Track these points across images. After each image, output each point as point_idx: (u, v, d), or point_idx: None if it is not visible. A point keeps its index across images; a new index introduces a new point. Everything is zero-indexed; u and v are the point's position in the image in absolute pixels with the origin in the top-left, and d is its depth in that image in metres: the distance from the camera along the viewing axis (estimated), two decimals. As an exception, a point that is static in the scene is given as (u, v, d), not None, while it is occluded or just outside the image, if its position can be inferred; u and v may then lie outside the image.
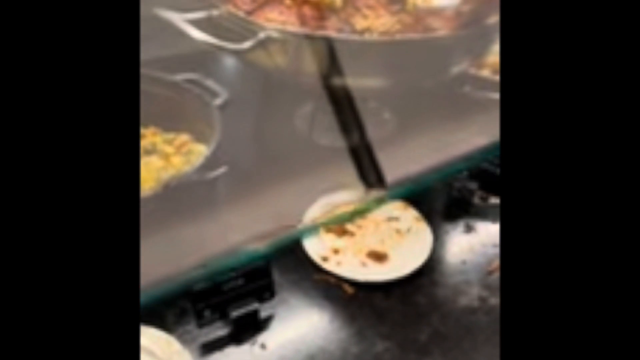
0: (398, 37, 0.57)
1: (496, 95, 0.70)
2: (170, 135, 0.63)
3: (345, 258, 0.55)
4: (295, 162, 0.63)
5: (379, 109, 0.66)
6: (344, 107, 0.64)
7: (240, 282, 0.46)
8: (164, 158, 0.61)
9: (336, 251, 0.56)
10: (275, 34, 0.54)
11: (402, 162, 0.66)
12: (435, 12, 0.61)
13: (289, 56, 0.55)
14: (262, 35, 0.53)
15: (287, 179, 0.62)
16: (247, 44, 0.52)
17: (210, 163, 0.55)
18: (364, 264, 0.55)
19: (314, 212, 0.61)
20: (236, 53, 0.55)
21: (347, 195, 0.64)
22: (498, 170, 0.65)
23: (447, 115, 0.67)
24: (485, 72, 0.82)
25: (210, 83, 0.61)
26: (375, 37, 0.60)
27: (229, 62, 0.62)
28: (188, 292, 0.45)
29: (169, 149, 0.62)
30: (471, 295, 0.53)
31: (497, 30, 0.59)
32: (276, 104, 0.63)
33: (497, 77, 0.81)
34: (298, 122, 0.64)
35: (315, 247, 0.56)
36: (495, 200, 0.65)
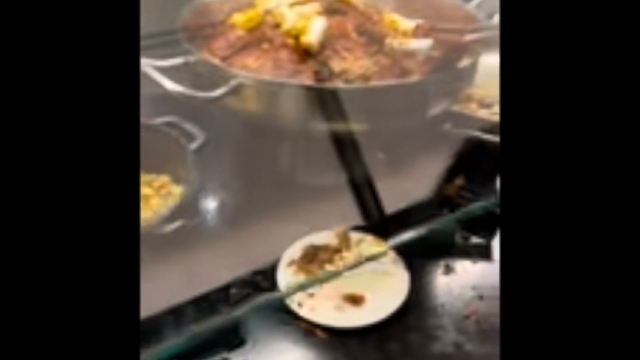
0: (372, 83, 0.58)
1: (475, 132, 0.71)
2: (151, 176, 0.64)
3: (320, 302, 0.55)
4: (275, 203, 0.64)
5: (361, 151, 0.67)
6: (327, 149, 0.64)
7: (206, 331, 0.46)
8: (143, 200, 0.62)
9: (311, 295, 0.55)
10: (248, 81, 0.55)
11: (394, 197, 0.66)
12: (411, 54, 0.61)
13: (263, 103, 0.55)
14: (234, 82, 0.54)
15: (266, 220, 0.62)
16: (218, 92, 0.53)
17: (186, 207, 0.55)
18: (339, 308, 0.54)
19: (294, 252, 0.61)
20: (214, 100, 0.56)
21: (328, 236, 0.64)
22: (477, 211, 0.64)
23: (427, 153, 0.67)
24: (472, 106, 0.82)
25: (188, 126, 0.62)
26: (349, 83, 0.60)
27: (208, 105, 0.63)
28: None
29: (148, 191, 0.63)
30: (445, 341, 0.52)
31: (469, 73, 0.60)
32: (255, 146, 0.64)
33: (480, 113, 0.82)
34: (278, 163, 0.65)
35: (291, 290, 0.56)
36: (477, 240, 0.64)
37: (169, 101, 0.62)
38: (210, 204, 0.60)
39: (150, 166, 0.63)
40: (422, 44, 0.59)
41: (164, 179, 0.63)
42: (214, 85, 0.55)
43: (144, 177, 0.64)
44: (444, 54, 0.58)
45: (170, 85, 0.52)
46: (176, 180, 0.62)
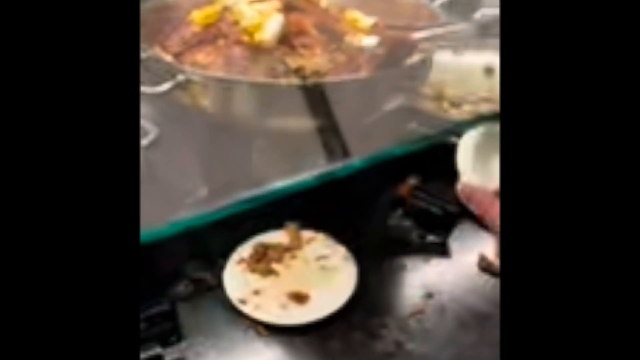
0: (315, 79, 0.57)
1: (436, 132, 0.70)
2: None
3: (264, 300, 0.54)
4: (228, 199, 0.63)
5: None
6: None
7: (142, 326, 0.46)
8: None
9: (257, 292, 0.55)
10: (196, 77, 0.54)
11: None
12: (364, 52, 0.61)
13: (211, 99, 0.55)
14: (180, 77, 0.54)
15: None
16: (164, 87, 0.53)
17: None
18: (283, 306, 0.54)
19: (243, 250, 0.61)
20: (163, 94, 0.56)
21: (279, 234, 0.64)
22: (433, 208, 0.64)
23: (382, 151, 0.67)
24: (444, 105, 0.82)
25: (142, 121, 0.62)
26: (305, 80, 0.60)
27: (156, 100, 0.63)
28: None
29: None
30: (387, 340, 0.52)
31: (420, 70, 0.59)
32: (208, 141, 0.64)
33: (451, 112, 0.81)
34: (231, 158, 0.64)
35: (236, 288, 0.55)
36: (433, 238, 0.64)
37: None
38: (156, 201, 0.60)
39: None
40: (369, 41, 0.59)
41: (118, 174, 0.63)
42: (162, 81, 0.55)
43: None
44: (388, 51, 0.57)
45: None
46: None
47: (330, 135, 0.58)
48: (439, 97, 0.81)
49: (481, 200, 0.65)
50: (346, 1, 0.75)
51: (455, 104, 0.82)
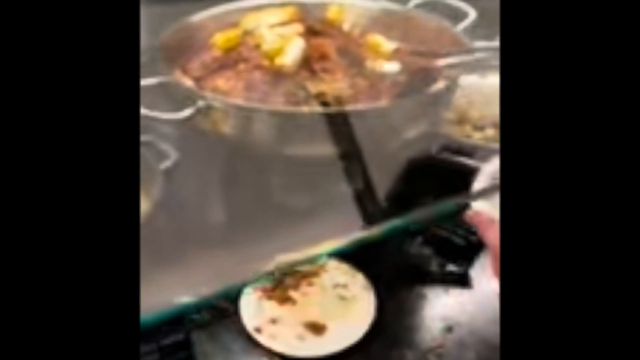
0: (334, 108, 0.56)
1: (459, 157, 0.69)
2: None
3: (281, 329, 0.54)
4: (247, 224, 0.63)
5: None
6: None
7: (155, 356, 0.45)
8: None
9: (274, 321, 0.54)
10: (216, 103, 0.54)
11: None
12: (386, 77, 0.60)
13: (231, 125, 0.55)
14: (201, 103, 0.54)
15: (236, 241, 0.61)
16: (185, 113, 0.53)
17: (150, 224, 0.55)
18: (300, 336, 0.53)
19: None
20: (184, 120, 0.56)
21: (303, 255, 0.63)
22: (455, 238, 0.62)
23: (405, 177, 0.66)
24: (467, 128, 0.80)
25: (163, 145, 0.62)
26: (325, 106, 0.59)
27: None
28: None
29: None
30: (405, 375, 0.50)
31: (443, 97, 0.58)
32: (228, 167, 0.63)
33: (475, 135, 0.80)
34: (250, 184, 0.64)
35: (253, 316, 0.55)
36: (454, 268, 0.62)
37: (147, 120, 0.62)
38: (176, 223, 0.60)
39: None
40: (391, 67, 0.58)
41: (138, 197, 0.64)
42: (183, 107, 0.55)
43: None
44: (409, 78, 0.56)
45: (133, 106, 0.52)
46: (148, 199, 0.62)
47: (351, 163, 0.57)
48: (462, 121, 0.80)
49: (481, 221, 0.63)
50: (369, 25, 0.74)
51: (479, 128, 0.80)
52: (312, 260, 0.60)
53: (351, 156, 0.58)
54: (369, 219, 0.65)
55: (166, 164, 0.63)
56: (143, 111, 0.54)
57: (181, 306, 0.53)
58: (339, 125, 0.57)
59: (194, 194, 0.62)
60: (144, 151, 0.64)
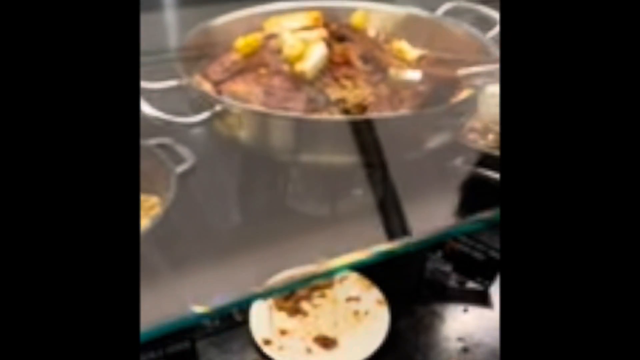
0: (353, 116, 0.55)
1: (481, 169, 0.66)
2: (142, 197, 0.64)
3: (290, 342, 0.52)
4: (261, 230, 0.62)
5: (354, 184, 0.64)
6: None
7: (160, 365, 0.44)
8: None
9: (283, 332, 0.53)
10: (233, 108, 0.53)
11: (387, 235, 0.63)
12: (409, 86, 0.58)
13: (248, 130, 0.54)
14: (218, 108, 0.53)
15: (250, 248, 0.60)
16: (198, 118, 0.52)
17: (163, 227, 0.54)
18: (309, 350, 0.52)
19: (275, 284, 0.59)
20: (200, 123, 0.55)
21: (313, 269, 0.61)
22: (475, 254, 0.60)
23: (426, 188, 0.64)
24: (490, 137, 0.78)
25: (180, 148, 0.62)
26: (346, 113, 0.58)
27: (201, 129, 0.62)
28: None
29: (137, 212, 0.63)
30: (417, 397, 0.48)
31: (467, 107, 0.56)
32: (244, 172, 0.62)
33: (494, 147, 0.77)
34: (266, 190, 0.63)
35: (262, 326, 0.53)
36: (472, 285, 0.60)
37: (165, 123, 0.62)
38: (190, 228, 0.59)
39: (141, 187, 0.63)
40: (413, 75, 0.56)
41: (153, 199, 0.63)
42: (201, 110, 0.54)
43: (135, 197, 0.64)
44: (432, 87, 0.54)
45: (147, 109, 0.51)
46: (163, 202, 0.62)
47: (372, 172, 0.55)
48: (486, 131, 0.77)
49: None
50: (394, 31, 0.72)
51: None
52: (329, 274, 0.58)
53: (371, 165, 0.56)
54: (390, 232, 0.63)
55: (183, 167, 0.63)
56: (160, 114, 0.53)
57: (191, 316, 0.53)
58: (358, 133, 0.55)
59: (210, 199, 0.62)
60: (160, 154, 0.64)
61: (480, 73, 0.52)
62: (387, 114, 0.54)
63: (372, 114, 0.56)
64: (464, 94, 0.54)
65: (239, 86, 0.59)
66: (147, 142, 0.64)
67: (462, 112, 0.57)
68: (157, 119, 0.52)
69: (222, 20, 0.71)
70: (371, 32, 0.74)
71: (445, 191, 0.65)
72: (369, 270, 0.59)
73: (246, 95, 0.59)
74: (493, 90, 0.58)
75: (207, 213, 0.62)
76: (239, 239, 0.61)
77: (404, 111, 0.54)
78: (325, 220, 0.63)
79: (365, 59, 0.67)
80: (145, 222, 0.65)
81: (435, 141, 0.59)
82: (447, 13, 0.76)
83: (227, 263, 0.60)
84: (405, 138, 0.55)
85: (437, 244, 0.59)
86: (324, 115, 0.62)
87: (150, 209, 0.66)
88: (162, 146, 0.64)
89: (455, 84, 0.54)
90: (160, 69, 0.63)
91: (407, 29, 0.73)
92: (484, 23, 0.75)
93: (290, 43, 0.64)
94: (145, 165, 0.63)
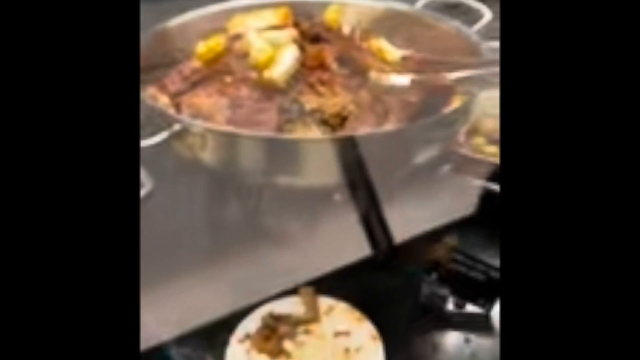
0: (332, 134, 0.48)
1: (475, 178, 0.61)
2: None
3: (273, 389, 0.46)
4: (234, 259, 0.55)
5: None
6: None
7: None
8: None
9: (265, 378, 0.47)
10: (193, 127, 0.46)
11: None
12: (393, 91, 0.52)
13: (211, 151, 0.47)
14: (176, 127, 0.45)
15: (218, 282, 0.54)
16: (157, 139, 0.45)
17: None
18: (296, 398, 0.45)
19: (250, 323, 0.52)
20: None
21: (293, 303, 0.55)
22: (473, 273, 0.54)
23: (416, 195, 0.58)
24: (479, 140, 0.72)
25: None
26: (323, 124, 0.51)
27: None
28: None
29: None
30: None
31: (461, 115, 0.50)
32: (208, 196, 0.55)
33: (487, 149, 0.72)
34: (240, 216, 0.56)
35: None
36: (472, 308, 0.54)
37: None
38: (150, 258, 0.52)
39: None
40: (400, 80, 0.50)
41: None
42: (157, 130, 0.46)
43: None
44: (422, 100, 0.48)
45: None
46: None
47: (355, 192, 0.49)
48: (473, 132, 0.71)
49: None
50: (372, 25, 0.66)
51: (493, 141, 0.72)
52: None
53: (354, 185, 0.50)
54: (376, 254, 0.57)
55: (140, 193, 0.55)
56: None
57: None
58: (339, 150, 0.48)
59: (171, 228, 0.54)
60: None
61: (474, 77, 0.46)
62: (373, 131, 0.47)
63: (354, 131, 0.49)
64: (457, 101, 0.49)
65: (201, 99, 0.52)
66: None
67: (455, 121, 0.51)
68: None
69: (178, 20, 0.63)
70: (346, 29, 0.67)
71: (436, 206, 0.60)
72: (359, 299, 0.53)
73: (210, 109, 0.51)
74: (487, 94, 0.53)
75: (168, 244, 0.54)
76: (201, 271, 0.54)
77: (391, 125, 0.48)
78: (305, 243, 0.57)
79: (342, 60, 0.60)
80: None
81: (424, 155, 0.53)
82: (427, 6, 0.70)
83: (190, 295, 0.53)
84: (391, 154, 0.49)
85: (433, 265, 0.54)
86: (299, 127, 0.56)
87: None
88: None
89: (446, 90, 0.48)
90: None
91: (386, 25, 0.66)
92: (467, 16, 0.70)
93: (258, 46, 0.57)
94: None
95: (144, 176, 0.56)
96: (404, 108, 0.49)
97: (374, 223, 0.58)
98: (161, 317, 0.51)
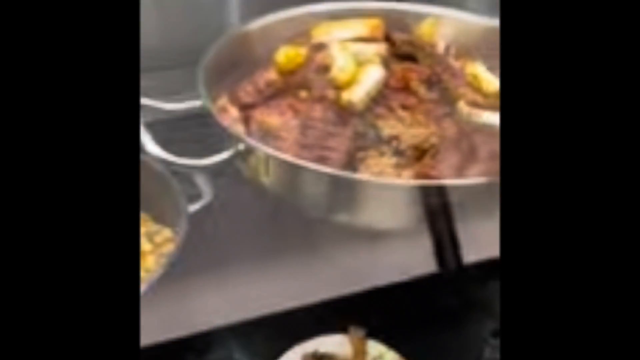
0: (406, 182, 0.43)
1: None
2: (155, 228, 0.56)
3: None
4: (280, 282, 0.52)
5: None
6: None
7: None
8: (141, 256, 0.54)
9: None
10: (259, 151, 0.43)
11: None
12: (483, 130, 0.46)
13: (274, 178, 0.43)
14: (241, 147, 0.43)
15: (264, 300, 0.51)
16: (214, 159, 0.42)
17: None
18: None
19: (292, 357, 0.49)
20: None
21: (339, 341, 0.51)
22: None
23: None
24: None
25: (200, 181, 0.52)
26: (399, 155, 0.47)
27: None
28: None
29: (147, 246, 0.55)
30: None
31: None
32: (265, 216, 0.52)
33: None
34: (285, 237, 0.52)
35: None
36: None
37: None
38: (198, 270, 0.50)
39: (158, 216, 0.55)
40: (493, 119, 0.44)
41: (166, 233, 0.55)
42: (220, 148, 0.44)
43: (150, 227, 0.56)
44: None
45: (152, 147, 0.42)
46: (176, 237, 0.53)
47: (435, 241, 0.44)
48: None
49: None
50: (471, 45, 0.59)
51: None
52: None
53: (431, 232, 0.45)
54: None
55: (199, 204, 0.54)
56: (163, 153, 0.43)
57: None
58: (410, 196, 0.43)
59: (223, 242, 0.52)
60: (177, 187, 0.55)
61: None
62: (453, 181, 0.41)
63: (433, 168, 0.44)
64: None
65: (272, 117, 0.48)
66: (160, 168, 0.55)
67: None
68: (159, 159, 0.42)
69: (260, 23, 0.60)
70: (440, 46, 0.61)
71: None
72: (413, 349, 0.48)
73: (279, 129, 0.48)
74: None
75: (218, 257, 0.52)
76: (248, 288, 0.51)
77: (477, 169, 0.42)
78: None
79: (430, 84, 0.55)
80: (152, 261, 0.57)
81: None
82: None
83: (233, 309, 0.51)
84: (471, 204, 0.43)
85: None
86: (372, 155, 0.51)
87: (162, 245, 0.59)
88: (178, 178, 0.55)
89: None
90: (177, 82, 0.53)
91: (487, 46, 0.60)
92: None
93: (340, 64, 0.52)
94: (156, 192, 0.55)
95: (205, 186, 0.55)
96: (491, 154, 0.43)
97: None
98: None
